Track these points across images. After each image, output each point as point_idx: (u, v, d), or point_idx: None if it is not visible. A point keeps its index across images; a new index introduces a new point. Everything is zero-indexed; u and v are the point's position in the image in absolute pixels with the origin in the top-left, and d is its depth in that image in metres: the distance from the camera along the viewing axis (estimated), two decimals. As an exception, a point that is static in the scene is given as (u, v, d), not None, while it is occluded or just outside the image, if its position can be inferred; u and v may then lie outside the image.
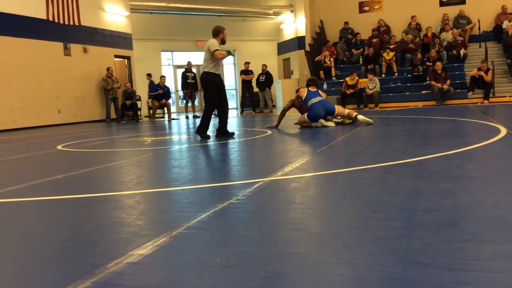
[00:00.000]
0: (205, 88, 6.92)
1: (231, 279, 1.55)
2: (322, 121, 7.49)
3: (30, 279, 1.68)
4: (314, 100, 7.69)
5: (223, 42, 6.88)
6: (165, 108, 14.72)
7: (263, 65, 16.19)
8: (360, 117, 7.49)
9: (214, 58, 6.68)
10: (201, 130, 6.82)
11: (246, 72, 15.87)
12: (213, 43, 6.72)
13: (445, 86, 13.09)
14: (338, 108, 7.89)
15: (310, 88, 7.96)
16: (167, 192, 3.13)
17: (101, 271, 1.65)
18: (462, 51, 14.78)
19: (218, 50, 6.66)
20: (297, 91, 8.56)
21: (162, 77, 15.04)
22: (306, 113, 7.70)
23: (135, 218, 2.41)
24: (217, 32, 6.86)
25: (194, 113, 14.72)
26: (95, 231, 2.23)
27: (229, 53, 6.79)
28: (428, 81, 13.70)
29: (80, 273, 1.65)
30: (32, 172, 4.59)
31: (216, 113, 7.04)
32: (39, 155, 6.03)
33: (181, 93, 17.22)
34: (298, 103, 8.19)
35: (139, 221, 2.34)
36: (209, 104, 6.97)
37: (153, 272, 1.65)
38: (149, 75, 16.64)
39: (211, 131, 7.11)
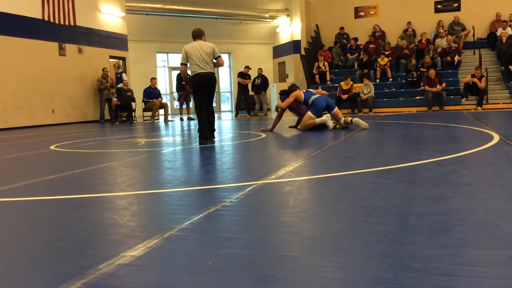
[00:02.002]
0: (213, 89, 6.76)
1: (223, 282, 1.55)
2: (328, 116, 7.52)
3: (21, 279, 1.67)
4: (314, 96, 7.81)
5: None
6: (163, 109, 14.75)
7: (259, 69, 16.21)
8: (356, 119, 7.53)
9: (213, 62, 6.58)
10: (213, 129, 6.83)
11: (243, 75, 15.87)
12: (216, 48, 6.58)
13: (439, 87, 13.14)
14: (337, 110, 7.90)
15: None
16: (160, 194, 3.12)
17: (93, 272, 1.65)
18: (456, 58, 14.88)
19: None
20: (283, 93, 8.51)
21: (153, 79, 15.01)
22: (309, 111, 7.70)
23: (128, 219, 2.40)
24: (201, 34, 6.65)
25: (189, 115, 14.70)
26: (87, 232, 2.22)
27: None
28: (422, 87, 13.77)
29: (71, 274, 1.64)
30: (24, 172, 4.56)
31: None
32: (32, 155, 6.00)
33: (175, 95, 17.17)
34: (295, 105, 8.12)
35: (131, 223, 2.33)
36: (212, 105, 6.93)
37: (145, 274, 1.64)
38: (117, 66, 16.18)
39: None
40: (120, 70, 15.72)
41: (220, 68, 21.80)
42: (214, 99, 6.65)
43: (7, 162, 5.35)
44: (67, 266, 1.74)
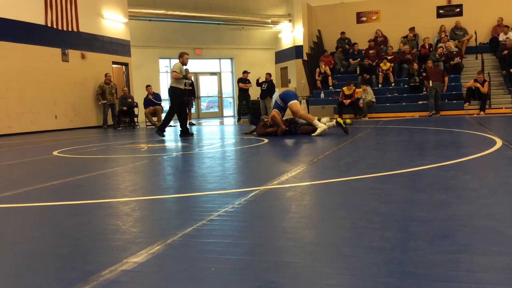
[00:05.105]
0: (172, 98, 9.02)
1: (225, 288, 1.55)
2: (327, 119, 7.75)
3: (24, 285, 1.67)
4: (279, 99, 8.27)
5: (184, 63, 9.06)
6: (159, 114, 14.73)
7: (267, 73, 16.16)
8: (324, 121, 7.87)
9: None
10: (163, 130, 9.18)
11: (244, 81, 15.88)
12: (175, 65, 8.89)
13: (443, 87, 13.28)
14: (297, 106, 8.22)
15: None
16: (162, 200, 3.13)
17: (95, 279, 1.65)
18: (456, 60, 14.87)
19: (175, 72, 8.78)
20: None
21: (148, 86, 14.88)
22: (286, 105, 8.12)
23: (130, 225, 2.40)
24: (179, 57, 9.03)
25: (190, 120, 14.70)
26: (90, 238, 2.22)
27: (185, 77, 8.87)
28: (425, 91, 13.79)
29: (75, 280, 1.65)
30: (27, 178, 4.57)
31: (176, 118, 9.20)
32: (34, 160, 6.02)
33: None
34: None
35: (134, 229, 2.34)
36: (172, 111, 9.13)
37: (148, 280, 1.64)
38: None
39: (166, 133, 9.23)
40: None
41: (222, 74, 21.95)
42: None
43: (10, 168, 5.37)
44: (70, 272, 1.75)
